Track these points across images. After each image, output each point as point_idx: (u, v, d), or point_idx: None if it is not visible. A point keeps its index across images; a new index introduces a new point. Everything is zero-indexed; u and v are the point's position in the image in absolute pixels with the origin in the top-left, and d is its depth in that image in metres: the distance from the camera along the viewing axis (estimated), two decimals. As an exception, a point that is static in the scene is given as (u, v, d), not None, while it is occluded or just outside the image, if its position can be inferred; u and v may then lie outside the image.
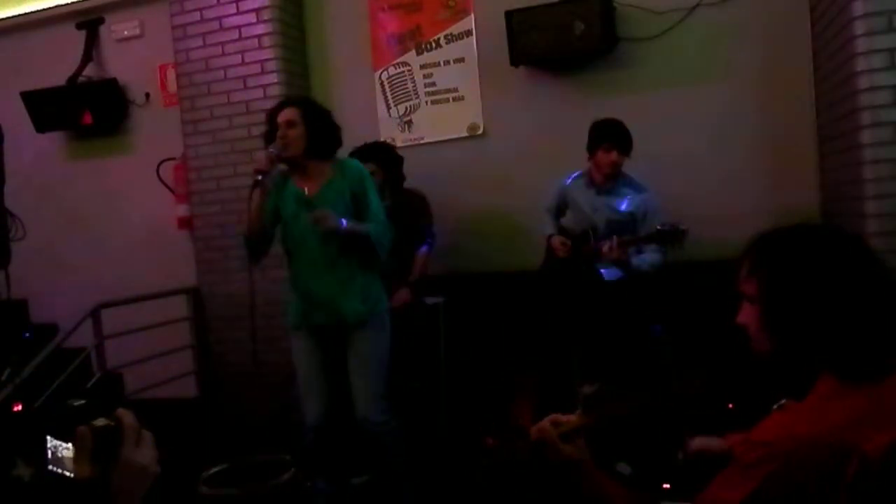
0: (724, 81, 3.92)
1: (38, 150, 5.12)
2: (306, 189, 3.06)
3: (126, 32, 5.00)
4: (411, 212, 3.86)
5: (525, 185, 4.17)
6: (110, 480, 0.93)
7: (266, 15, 4.41)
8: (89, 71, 5.00)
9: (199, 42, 4.55)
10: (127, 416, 0.98)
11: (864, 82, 3.15)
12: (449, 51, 4.43)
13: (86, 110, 4.84)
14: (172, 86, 4.81)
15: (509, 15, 4.00)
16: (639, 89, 4.03)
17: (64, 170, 5.20)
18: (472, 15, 4.36)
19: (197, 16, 4.54)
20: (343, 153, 3.29)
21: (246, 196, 3.05)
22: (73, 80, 4.93)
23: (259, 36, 4.43)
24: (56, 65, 4.94)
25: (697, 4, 3.92)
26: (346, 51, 4.64)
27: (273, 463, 2.97)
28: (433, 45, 4.46)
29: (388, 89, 4.58)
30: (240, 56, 4.46)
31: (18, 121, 4.78)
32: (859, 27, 3.14)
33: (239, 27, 4.45)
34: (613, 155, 3.43)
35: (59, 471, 0.95)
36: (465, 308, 4.13)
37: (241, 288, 4.46)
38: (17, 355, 3.60)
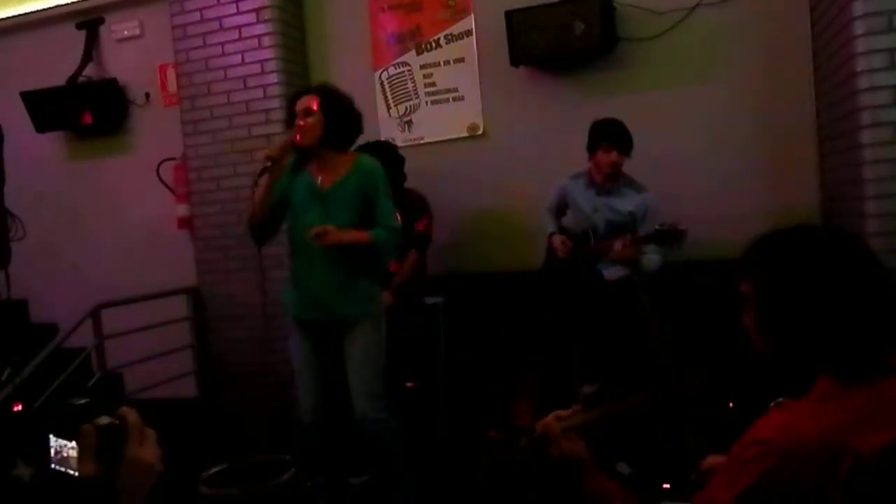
0: (724, 81, 3.92)
1: (38, 150, 5.12)
2: (319, 179, 3.02)
3: (126, 32, 5.00)
4: (411, 212, 3.86)
5: (525, 185, 4.17)
6: (115, 479, 0.93)
7: (266, 15, 4.41)
8: (89, 71, 5.00)
9: (199, 42, 4.54)
10: (131, 415, 0.98)
11: (864, 82, 3.15)
12: (449, 51, 4.42)
13: (86, 110, 4.84)
14: (172, 86, 4.81)
15: (509, 15, 4.00)
16: (639, 89, 4.03)
17: (64, 170, 5.21)
18: (472, 15, 4.36)
19: (197, 16, 4.54)
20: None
21: (248, 194, 3.04)
22: (73, 80, 4.93)
23: (259, 36, 4.43)
24: (56, 65, 4.94)
25: (697, 4, 3.92)
26: (346, 51, 4.64)
27: (273, 463, 2.97)
28: (433, 45, 4.46)
29: (388, 89, 4.58)
30: (240, 56, 4.46)
31: (18, 121, 4.78)
32: (859, 27, 3.14)
33: (239, 27, 4.45)
34: (613, 155, 3.43)
35: (63, 469, 0.95)
36: (465, 308, 4.13)
37: (241, 288, 4.49)
38: (17, 355, 3.60)
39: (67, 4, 5.03)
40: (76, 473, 0.93)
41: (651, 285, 3.47)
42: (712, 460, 1.52)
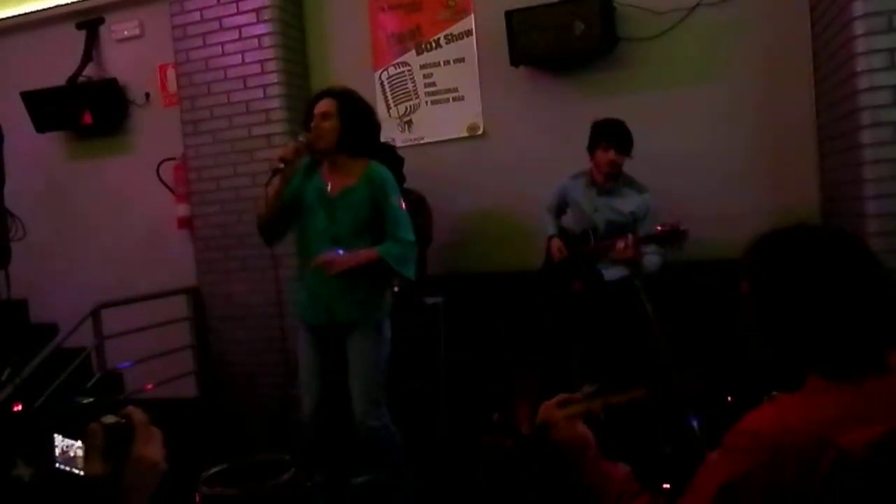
0: (724, 81, 3.92)
1: (38, 150, 5.12)
2: (330, 185, 3.00)
3: (126, 32, 5.00)
4: (410, 212, 3.86)
5: (525, 185, 4.17)
6: (121, 478, 0.93)
7: (266, 15, 4.41)
8: (89, 71, 5.00)
9: (199, 42, 4.55)
10: (136, 413, 0.98)
11: (864, 82, 3.15)
12: (449, 51, 4.43)
13: (86, 110, 4.84)
14: (172, 86, 4.81)
15: (509, 15, 4.00)
16: (639, 89, 4.04)
17: (64, 170, 5.21)
18: (472, 15, 4.36)
19: (197, 16, 4.54)
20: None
21: (264, 188, 2.98)
22: (73, 80, 4.93)
23: (259, 36, 4.43)
24: (56, 65, 4.94)
25: (697, 4, 3.92)
26: (346, 51, 4.64)
27: (273, 463, 2.97)
28: (433, 45, 4.46)
29: (388, 89, 4.58)
30: (240, 56, 4.46)
31: (18, 121, 4.78)
32: (859, 27, 3.14)
33: (239, 27, 4.45)
34: (611, 154, 3.43)
35: (69, 469, 0.95)
36: (465, 308, 4.13)
37: (241, 288, 4.49)
38: (17, 355, 3.60)
39: (67, 4, 5.03)
40: (82, 472, 0.93)
41: (651, 285, 3.47)
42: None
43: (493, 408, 1.81)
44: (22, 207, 4.21)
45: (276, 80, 4.41)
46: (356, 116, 2.97)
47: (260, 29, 4.42)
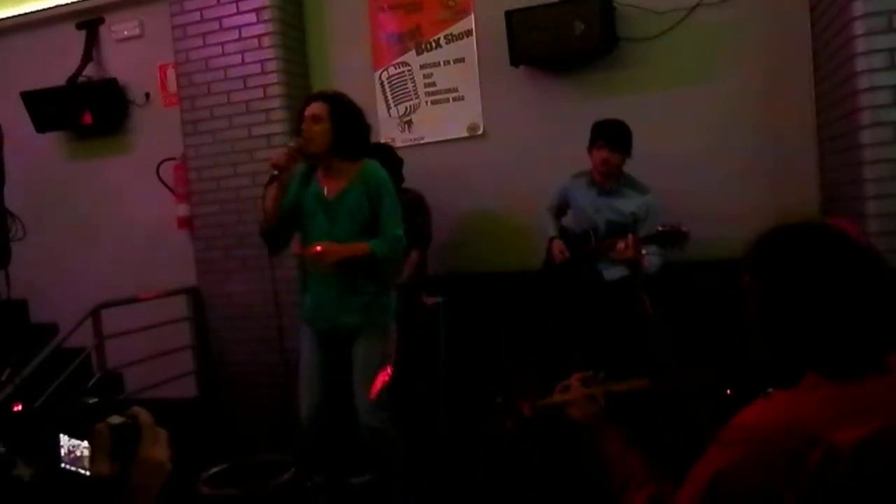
0: (724, 81, 3.92)
1: (38, 150, 5.13)
2: (326, 189, 3.01)
3: (126, 32, 5.00)
4: (408, 212, 3.86)
5: (525, 185, 4.17)
6: (128, 478, 0.94)
7: (266, 15, 4.41)
8: (89, 71, 5.00)
9: (199, 42, 4.55)
10: (143, 414, 0.98)
11: (864, 82, 3.15)
12: (449, 51, 4.43)
13: (86, 110, 4.84)
14: (172, 86, 4.81)
15: (509, 15, 4.00)
16: (639, 89, 4.03)
17: (64, 170, 5.21)
18: (472, 15, 4.36)
19: (197, 16, 4.54)
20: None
21: (263, 195, 2.98)
22: (73, 80, 4.93)
23: (259, 36, 4.43)
24: (56, 65, 4.94)
25: (697, 4, 3.92)
26: (346, 51, 4.64)
27: (273, 463, 2.97)
28: (433, 45, 4.46)
29: (388, 89, 4.58)
30: (240, 56, 4.46)
31: (18, 121, 4.78)
32: (859, 27, 3.14)
33: (239, 27, 4.45)
34: (604, 153, 3.43)
35: (75, 469, 0.95)
36: (465, 308, 4.13)
37: (242, 288, 4.49)
38: (17, 355, 3.60)
39: (67, 4, 5.03)
40: (88, 473, 0.93)
41: (651, 285, 3.47)
42: None
43: (491, 408, 1.82)
44: (22, 207, 4.20)
45: (276, 80, 4.41)
46: (347, 119, 2.98)
47: (260, 29, 4.42)
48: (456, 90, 4.43)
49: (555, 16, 3.89)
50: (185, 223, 4.75)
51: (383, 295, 3.06)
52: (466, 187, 4.37)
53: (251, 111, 4.45)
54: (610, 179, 3.52)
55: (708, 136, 3.95)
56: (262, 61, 4.43)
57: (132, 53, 4.98)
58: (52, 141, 5.18)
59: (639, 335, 3.44)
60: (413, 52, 4.51)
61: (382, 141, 4.34)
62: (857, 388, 1.17)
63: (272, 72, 4.42)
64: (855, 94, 3.19)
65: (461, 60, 4.41)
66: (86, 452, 0.94)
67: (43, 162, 5.17)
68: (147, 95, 4.96)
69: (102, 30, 5.05)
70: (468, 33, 4.38)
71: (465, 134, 4.42)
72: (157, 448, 0.98)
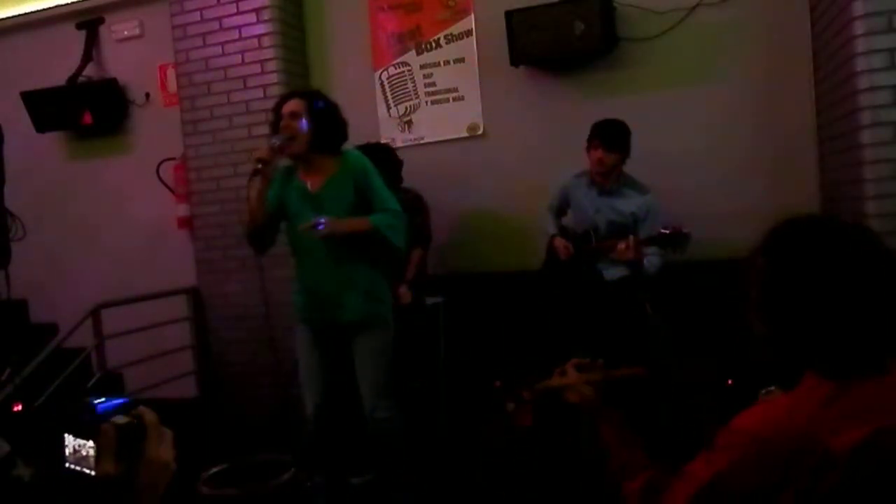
0: (725, 81, 3.92)
1: (38, 150, 5.12)
2: (309, 184, 3.02)
3: (126, 32, 5.00)
4: (408, 212, 3.86)
5: (525, 185, 4.17)
6: (134, 478, 0.94)
7: (266, 15, 4.41)
8: (89, 71, 5.00)
9: (199, 42, 4.55)
10: (148, 414, 0.98)
11: (864, 82, 3.15)
12: (449, 51, 4.43)
13: (86, 110, 4.85)
14: (172, 86, 4.81)
15: (509, 15, 4.00)
16: (639, 89, 4.03)
17: (64, 170, 5.21)
18: (472, 15, 4.36)
19: (197, 16, 4.54)
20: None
21: (246, 191, 3.00)
22: (73, 80, 4.93)
23: (259, 36, 4.43)
24: (56, 65, 4.95)
25: (697, 4, 3.92)
26: (346, 51, 4.64)
27: (273, 463, 2.97)
28: (433, 45, 4.46)
29: (388, 89, 4.58)
30: (240, 56, 4.46)
31: (18, 121, 4.78)
32: (859, 27, 3.14)
33: (239, 27, 4.45)
34: (599, 153, 3.43)
35: (79, 469, 0.95)
36: (465, 308, 4.13)
37: (241, 288, 4.49)
38: (17, 355, 3.60)
39: (67, 4, 5.03)
40: (93, 473, 0.93)
41: (651, 285, 3.47)
42: None
43: (492, 408, 1.83)
44: (22, 207, 4.19)
45: (276, 80, 4.41)
46: (325, 114, 3.00)
47: (260, 29, 4.42)
48: (456, 90, 4.43)
49: (555, 16, 3.89)
50: (185, 223, 4.76)
51: (383, 283, 3.10)
52: (466, 187, 4.37)
53: (251, 111, 4.45)
54: (609, 179, 3.52)
55: (708, 136, 3.95)
56: (262, 61, 4.43)
57: (132, 53, 4.98)
58: (52, 141, 5.18)
59: (639, 335, 3.43)
60: (413, 52, 4.51)
61: (382, 141, 4.34)
62: (858, 390, 1.16)
63: (272, 72, 4.42)
64: (855, 94, 3.19)
65: (461, 60, 4.41)
66: (91, 452, 0.94)
67: (43, 162, 5.17)
68: (147, 95, 4.96)
69: (102, 30, 5.05)
70: (468, 33, 4.38)
71: (464, 134, 4.42)
72: (163, 448, 0.98)
